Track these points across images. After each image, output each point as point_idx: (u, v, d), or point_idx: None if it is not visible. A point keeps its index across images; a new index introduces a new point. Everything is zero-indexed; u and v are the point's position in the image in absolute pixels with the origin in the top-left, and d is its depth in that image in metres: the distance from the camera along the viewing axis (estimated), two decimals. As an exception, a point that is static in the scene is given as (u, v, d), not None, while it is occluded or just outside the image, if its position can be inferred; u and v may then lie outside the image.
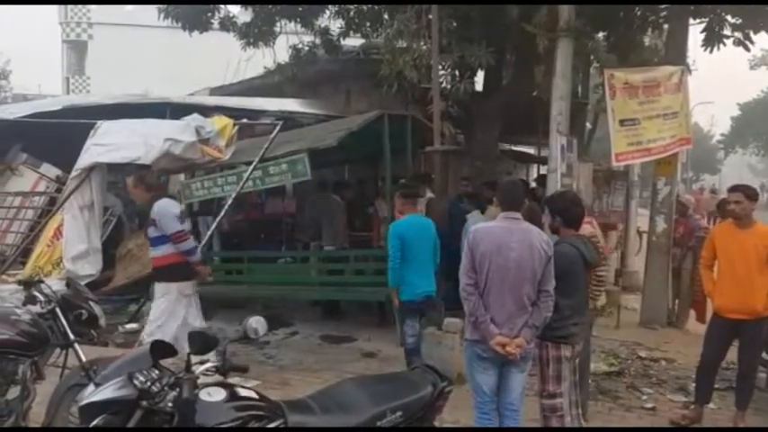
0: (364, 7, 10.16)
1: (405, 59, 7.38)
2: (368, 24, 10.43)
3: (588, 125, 12.97)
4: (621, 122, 7.24)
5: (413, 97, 8.77)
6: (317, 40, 10.90)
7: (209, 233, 7.59)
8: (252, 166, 7.31)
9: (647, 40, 10.56)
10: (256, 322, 3.12)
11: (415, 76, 7.66)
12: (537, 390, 4.43)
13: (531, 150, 12.77)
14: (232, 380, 2.95)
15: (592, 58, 10.50)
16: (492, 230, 4.10)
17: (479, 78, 9.19)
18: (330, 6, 10.44)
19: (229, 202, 7.45)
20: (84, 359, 4.29)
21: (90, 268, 7.96)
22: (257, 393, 2.99)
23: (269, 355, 6.64)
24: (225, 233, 10.03)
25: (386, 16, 9.90)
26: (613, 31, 9.51)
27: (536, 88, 9.53)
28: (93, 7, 28.71)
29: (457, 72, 8.37)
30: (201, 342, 2.73)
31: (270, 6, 10.14)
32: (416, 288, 5.59)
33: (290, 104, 11.22)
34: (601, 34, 9.88)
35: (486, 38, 8.16)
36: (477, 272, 4.00)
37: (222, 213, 7.55)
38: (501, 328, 3.95)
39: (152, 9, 26.15)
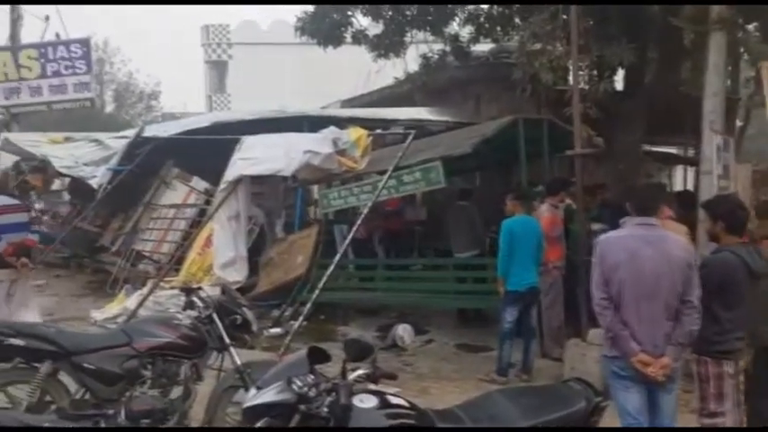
0: (494, 12, 10.03)
1: (540, 62, 7.18)
2: (498, 29, 10.27)
3: (739, 122, 12.02)
4: (782, 117, 6.62)
5: (547, 100, 8.53)
6: (447, 48, 10.88)
7: (346, 241, 7.74)
8: (387, 175, 7.42)
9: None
10: (404, 330, 3.15)
11: (550, 79, 7.43)
12: (695, 408, 4.12)
13: (675, 151, 12.02)
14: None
15: (742, 50, 9.74)
16: (622, 240, 3.81)
17: (619, 77, 8.79)
18: (460, 13, 10.40)
19: (365, 211, 7.59)
20: (238, 362, 4.52)
21: (237, 275, 8.44)
22: (406, 401, 3.00)
23: (406, 363, 6.67)
24: (360, 240, 10.24)
25: (517, 20, 9.73)
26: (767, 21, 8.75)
27: (682, 84, 8.95)
28: (232, 28, 30.53)
29: (595, 71, 8.03)
30: (358, 350, 2.78)
31: (400, 17, 10.26)
32: (521, 279, 6.23)
33: (420, 113, 11.32)
34: (752, 25, 9.13)
35: (625, 35, 7.79)
36: (609, 285, 3.72)
37: (359, 221, 7.67)
38: (642, 345, 3.65)
39: (286, 27, 27.31)
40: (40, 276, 11.22)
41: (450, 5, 10.21)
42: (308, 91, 22.15)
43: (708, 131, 6.09)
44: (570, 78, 7.20)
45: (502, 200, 6.86)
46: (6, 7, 15.27)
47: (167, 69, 42.52)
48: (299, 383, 2.77)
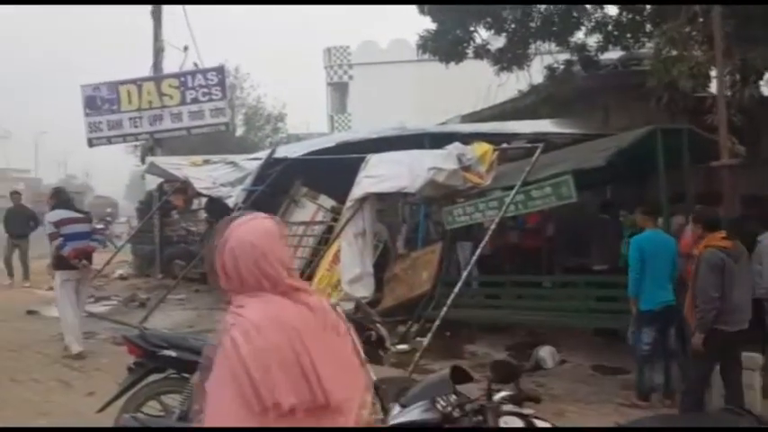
0: (624, 18, 9.67)
1: (679, 69, 6.81)
2: (628, 36, 9.89)
3: None
4: None
5: (684, 108, 8.07)
6: (573, 57, 10.61)
7: (473, 258, 7.66)
8: (514, 190, 7.29)
9: None
10: (547, 352, 3.03)
11: (689, 86, 7.03)
12: None
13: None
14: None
15: None
16: None
17: (765, 82, 8.16)
18: (586, 22, 10.12)
19: (492, 226, 7.49)
20: (374, 378, 4.56)
21: (364, 291, 8.57)
22: (551, 424, 2.89)
23: (539, 384, 6.47)
24: (484, 257, 10.11)
25: (648, 26, 9.32)
26: None
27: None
28: (352, 49, 31.43)
29: (738, 76, 7.51)
30: (504, 371, 2.72)
31: (523, 29, 10.15)
32: (655, 297, 5.91)
33: (544, 125, 11.05)
34: None
35: (771, 36, 7.24)
36: None
37: (486, 238, 7.57)
38: None
39: (405, 46, 27.71)
40: (181, 291, 12.02)
41: (575, 15, 9.97)
42: (427, 107, 22.30)
43: None
44: (711, 85, 6.79)
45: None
46: (150, 40, 16.59)
47: (292, 92, 44.50)
48: (444, 403, 2.74)
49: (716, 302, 4.97)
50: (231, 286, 2.15)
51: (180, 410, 4.45)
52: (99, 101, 15.82)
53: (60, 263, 8.14)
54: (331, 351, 2.14)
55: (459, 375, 2.86)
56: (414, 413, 2.78)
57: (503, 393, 2.83)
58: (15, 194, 13.64)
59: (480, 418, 2.65)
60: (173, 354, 4.49)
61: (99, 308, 11.76)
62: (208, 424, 2.02)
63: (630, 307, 6.13)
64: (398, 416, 2.86)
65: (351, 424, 2.12)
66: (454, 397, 2.81)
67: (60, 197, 8.57)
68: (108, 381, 6.77)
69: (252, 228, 2.18)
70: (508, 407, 2.85)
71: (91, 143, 16.18)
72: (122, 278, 15.16)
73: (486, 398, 2.75)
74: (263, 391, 1.98)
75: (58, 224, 8.10)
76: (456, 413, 2.71)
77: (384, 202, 10.61)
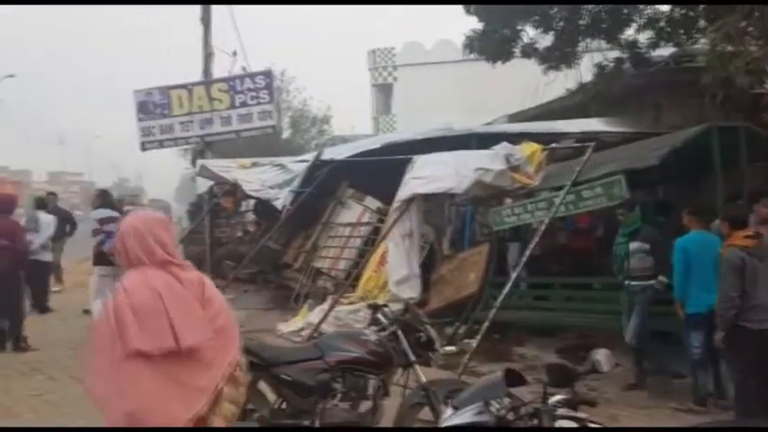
0: (677, 14, 9.43)
1: (735, 65, 6.61)
2: (681, 32, 9.63)
3: None
4: None
5: (740, 105, 7.83)
6: (624, 55, 10.39)
7: (522, 259, 7.57)
8: (564, 190, 7.19)
9: None
10: (603, 356, 2.98)
11: (746, 82, 6.81)
12: None
13: None
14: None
15: None
16: None
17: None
18: (637, 18, 9.90)
19: (542, 227, 7.40)
20: (423, 380, 4.58)
21: (411, 292, 8.57)
22: (606, 429, 2.85)
23: (591, 388, 6.36)
24: (532, 258, 10.00)
25: (702, 22, 9.07)
26: None
27: None
28: (397, 51, 31.46)
29: (796, 72, 7.25)
30: (561, 375, 2.69)
31: (572, 27, 10.00)
32: (701, 300, 5.78)
33: (593, 124, 10.86)
34: None
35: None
36: None
37: (536, 239, 7.48)
38: None
39: (450, 46, 27.62)
40: (231, 292, 12.22)
41: (625, 11, 9.77)
42: (472, 108, 22.18)
43: None
44: (769, 81, 6.58)
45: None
46: (200, 46, 16.95)
47: (336, 94, 44.84)
48: (497, 406, 2.73)
49: (734, 301, 5.03)
50: (123, 262, 2.83)
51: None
52: (151, 105, 16.23)
53: (100, 258, 8.60)
54: (189, 313, 2.69)
55: (513, 378, 2.84)
56: (466, 415, 2.77)
57: (558, 397, 2.80)
58: (51, 195, 13.34)
59: (535, 421, 2.63)
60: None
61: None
62: (90, 365, 2.70)
63: (677, 311, 6.09)
64: (451, 418, 2.85)
65: (218, 376, 2.69)
66: (508, 400, 2.79)
67: (105, 198, 9.25)
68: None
69: (138, 216, 2.93)
70: (563, 410, 2.83)
71: (143, 147, 16.60)
72: (174, 278, 15.47)
73: (542, 401, 2.73)
74: (125, 338, 2.58)
75: (101, 221, 8.64)
76: (510, 416, 2.70)
77: (430, 204, 10.59)
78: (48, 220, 10.57)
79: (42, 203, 11.30)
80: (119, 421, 2.58)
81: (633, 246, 6.83)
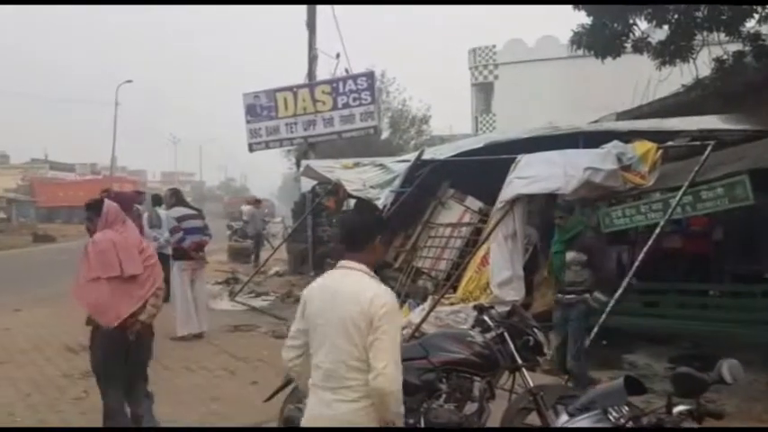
0: (806, 2, 8.73)
1: None
2: (813, 20, 8.91)
3: None
4: None
5: None
6: (745, 48, 9.72)
7: (635, 264, 7.23)
8: (681, 191, 6.81)
9: None
10: (731, 366, 2.81)
11: None
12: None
13: None
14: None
15: None
16: None
17: None
18: (760, 9, 9.23)
19: (657, 230, 7.04)
20: (531, 384, 4.47)
21: (514, 294, 8.40)
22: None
23: (708, 400, 5.98)
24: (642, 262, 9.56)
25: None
26: None
27: None
28: (498, 49, 30.99)
29: None
30: (689, 385, 2.55)
31: (688, 19, 9.45)
32: None
33: (711, 122, 10.22)
34: None
35: None
36: None
37: (650, 242, 7.12)
38: None
39: (553, 43, 26.97)
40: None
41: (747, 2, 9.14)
42: (575, 106, 21.50)
43: None
44: None
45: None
46: (305, 49, 17.43)
47: (436, 95, 44.77)
48: (616, 414, 2.63)
49: None
50: (101, 227, 4.79)
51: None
52: (258, 108, 16.87)
53: (179, 254, 9.31)
54: (132, 257, 4.69)
55: (632, 386, 2.73)
56: (584, 422, 2.68)
57: (681, 407, 2.66)
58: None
59: (657, 433, 2.51)
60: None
61: (259, 302, 12.53)
62: (79, 282, 4.68)
63: None
64: (567, 424, 2.77)
65: (148, 293, 4.74)
66: (627, 409, 2.69)
67: (177, 196, 9.91)
68: (269, 371, 7.21)
69: (116, 200, 5.07)
70: (688, 422, 2.68)
71: (251, 148, 17.28)
72: (278, 275, 16.07)
73: (666, 411, 2.60)
74: (94, 267, 4.59)
75: (179, 219, 9.27)
76: (629, 425, 2.59)
77: (531, 204, 10.34)
78: (165, 216, 11.22)
79: (159, 200, 11.96)
80: (89, 310, 4.68)
81: (569, 256, 6.46)
